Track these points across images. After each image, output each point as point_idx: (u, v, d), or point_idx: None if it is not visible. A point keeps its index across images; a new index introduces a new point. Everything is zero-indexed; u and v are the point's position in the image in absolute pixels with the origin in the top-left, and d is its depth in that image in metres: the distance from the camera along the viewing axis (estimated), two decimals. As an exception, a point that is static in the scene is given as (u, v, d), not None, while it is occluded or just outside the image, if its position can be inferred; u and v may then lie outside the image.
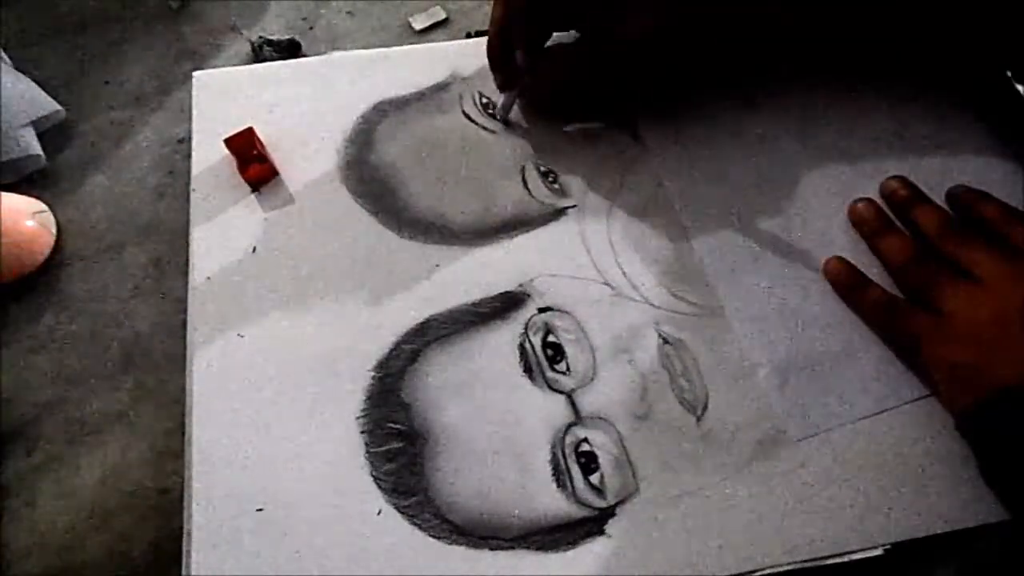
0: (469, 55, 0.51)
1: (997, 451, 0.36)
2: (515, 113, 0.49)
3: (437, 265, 0.44)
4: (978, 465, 0.37)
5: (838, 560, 0.36)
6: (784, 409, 0.39)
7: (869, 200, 0.44)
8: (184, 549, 0.36)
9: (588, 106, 0.49)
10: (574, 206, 0.46)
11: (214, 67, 0.55)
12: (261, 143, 0.47)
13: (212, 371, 0.40)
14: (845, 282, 0.42)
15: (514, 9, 0.44)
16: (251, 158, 0.46)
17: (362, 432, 0.39)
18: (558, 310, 0.42)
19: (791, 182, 0.46)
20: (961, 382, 0.36)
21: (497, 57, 0.47)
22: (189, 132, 0.48)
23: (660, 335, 0.41)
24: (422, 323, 0.42)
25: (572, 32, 0.47)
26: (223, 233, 0.45)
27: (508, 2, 0.44)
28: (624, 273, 0.43)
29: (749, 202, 0.45)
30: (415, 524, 0.37)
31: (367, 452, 0.38)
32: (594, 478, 0.38)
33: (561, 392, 0.40)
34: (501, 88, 0.48)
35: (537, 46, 0.45)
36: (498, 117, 0.49)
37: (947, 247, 0.40)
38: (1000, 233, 0.40)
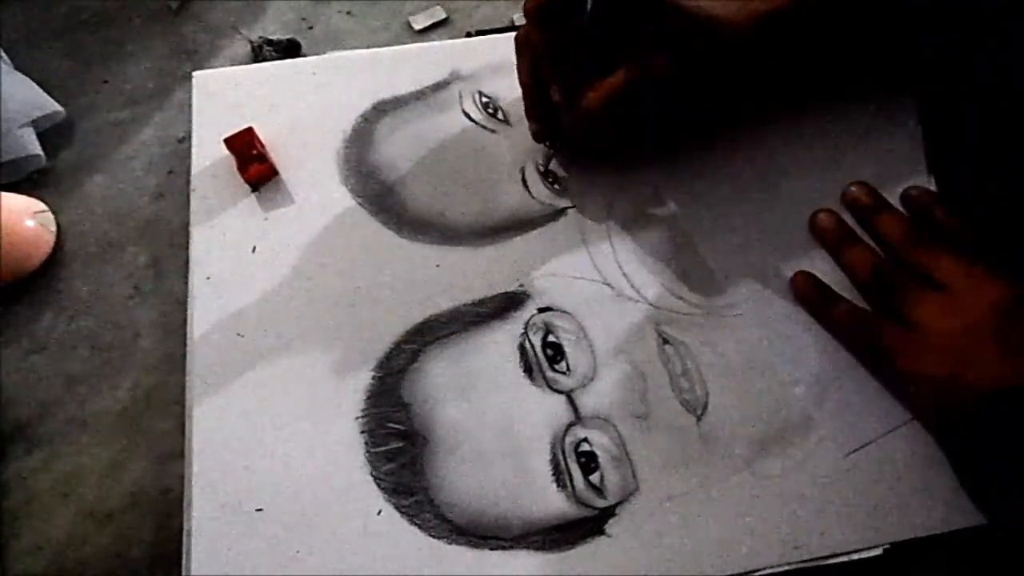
0: (469, 55, 0.51)
1: (980, 461, 0.35)
2: (515, 113, 0.49)
3: (437, 265, 0.44)
4: (957, 474, 0.37)
5: (838, 560, 0.36)
6: (825, 425, 0.39)
7: (829, 211, 0.44)
8: (184, 549, 0.36)
9: (632, 141, 0.45)
10: (574, 206, 0.46)
11: (214, 67, 0.55)
12: (261, 143, 0.47)
13: (212, 371, 0.40)
14: (812, 297, 0.41)
15: (539, 54, 0.41)
16: (251, 158, 0.46)
17: (362, 432, 0.39)
18: (558, 310, 0.42)
19: (792, 184, 0.46)
20: (939, 394, 0.36)
21: (531, 105, 0.44)
22: (189, 132, 0.48)
23: (660, 335, 0.41)
24: (422, 323, 0.42)
25: None
26: (223, 233, 0.45)
27: (532, 49, 0.41)
28: (624, 273, 0.43)
29: (756, 212, 0.45)
30: (415, 524, 0.37)
31: (367, 452, 0.38)
32: (594, 478, 0.38)
33: (561, 392, 0.40)
34: (536, 138, 0.45)
35: (572, 82, 0.41)
36: (539, 169, 0.46)
37: (911, 257, 0.40)
38: (960, 239, 0.40)
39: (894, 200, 0.44)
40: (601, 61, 0.40)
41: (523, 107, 0.46)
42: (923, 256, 0.40)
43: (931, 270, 0.39)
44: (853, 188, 0.44)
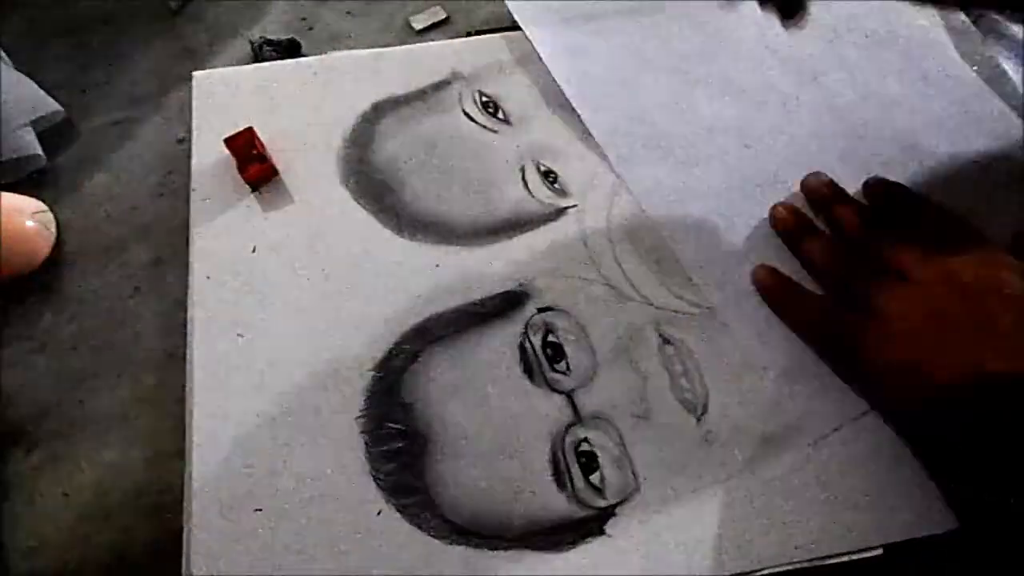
0: (469, 55, 0.51)
1: (946, 450, 0.36)
2: (515, 113, 0.49)
3: (437, 265, 0.44)
4: (924, 466, 0.37)
5: (838, 560, 0.36)
6: (797, 412, 0.39)
7: (786, 204, 0.44)
8: (184, 549, 0.36)
9: None
10: (574, 206, 0.46)
11: (214, 67, 0.55)
12: (261, 143, 0.47)
13: (212, 371, 0.40)
14: (774, 291, 0.41)
15: None
16: (251, 158, 0.46)
17: (362, 432, 0.39)
18: (558, 310, 0.42)
19: (775, 183, 0.46)
20: (904, 384, 0.36)
21: None
22: (189, 132, 0.48)
23: (660, 335, 0.41)
24: (422, 323, 0.42)
25: None
26: (223, 233, 0.45)
27: None
28: (624, 273, 0.43)
29: (732, 206, 0.45)
30: (415, 524, 0.37)
31: (367, 452, 0.38)
32: (594, 478, 0.38)
33: (561, 392, 0.40)
34: None
35: None
36: None
37: (870, 247, 0.40)
38: (919, 228, 0.40)
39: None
40: None
41: (523, 106, 0.46)
42: (882, 246, 0.40)
43: (890, 260, 0.39)
44: (811, 179, 0.44)
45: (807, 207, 0.44)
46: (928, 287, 0.37)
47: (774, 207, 0.44)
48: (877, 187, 0.44)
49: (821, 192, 0.44)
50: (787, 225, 0.43)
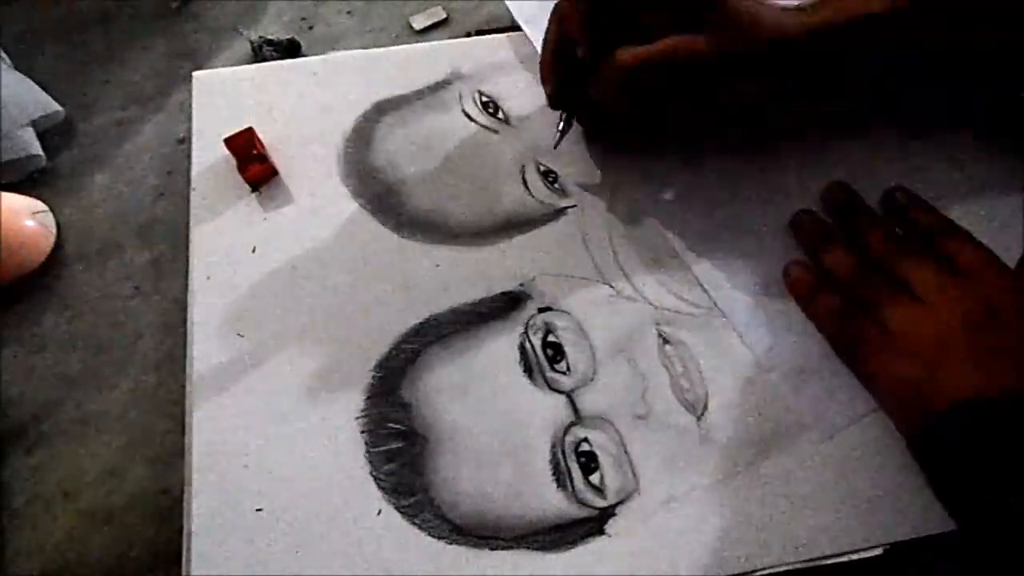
0: (469, 54, 0.51)
1: (948, 467, 0.36)
2: (515, 113, 0.49)
3: (437, 265, 0.44)
4: (928, 481, 0.37)
5: (838, 560, 0.36)
6: (798, 412, 0.39)
7: (810, 211, 0.44)
8: (184, 549, 0.36)
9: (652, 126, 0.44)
10: (574, 206, 0.46)
11: (214, 67, 0.55)
12: (261, 143, 0.47)
13: (212, 371, 0.40)
14: (803, 287, 0.42)
15: (570, 12, 0.40)
16: (251, 158, 0.46)
17: (362, 432, 0.39)
18: (558, 310, 0.42)
19: (777, 187, 0.46)
20: (907, 400, 0.36)
21: (550, 64, 0.43)
22: (189, 132, 0.48)
23: (660, 335, 0.41)
24: (422, 323, 0.42)
25: None
26: (223, 233, 0.45)
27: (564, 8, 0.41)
28: (624, 273, 0.43)
29: (737, 207, 0.45)
30: (415, 524, 0.37)
31: (367, 452, 0.38)
32: (594, 478, 0.38)
33: (561, 392, 0.40)
34: (552, 101, 0.44)
35: (602, 43, 0.39)
36: (554, 146, 0.45)
37: (887, 262, 0.40)
38: (936, 245, 0.40)
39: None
40: (632, 31, 0.39)
41: (523, 106, 0.46)
42: (898, 263, 0.40)
43: (907, 279, 0.39)
44: (832, 189, 0.44)
45: (821, 210, 0.44)
46: (938, 308, 0.37)
47: (797, 213, 0.44)
48: (899, 199, 0.44)
49: (840, 203, 0.44)
50: (807, 233, 0.43)
